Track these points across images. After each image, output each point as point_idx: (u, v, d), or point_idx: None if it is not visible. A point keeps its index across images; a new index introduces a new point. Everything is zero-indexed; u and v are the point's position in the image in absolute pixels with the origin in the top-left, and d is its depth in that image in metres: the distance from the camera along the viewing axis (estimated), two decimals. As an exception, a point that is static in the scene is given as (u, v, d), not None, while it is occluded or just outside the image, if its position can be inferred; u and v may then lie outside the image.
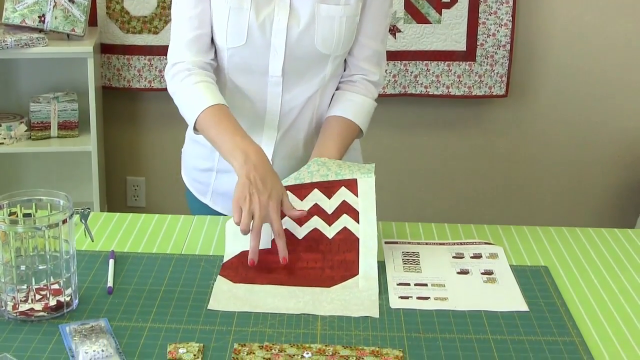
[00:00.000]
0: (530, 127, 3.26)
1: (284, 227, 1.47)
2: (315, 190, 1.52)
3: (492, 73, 3.10)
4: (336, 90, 1.71)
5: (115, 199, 3.35)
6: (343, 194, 1.51)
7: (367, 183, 1.51)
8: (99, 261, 1.46)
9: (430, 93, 3.12)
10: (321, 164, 1.56)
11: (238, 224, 1.42)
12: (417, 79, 3.10)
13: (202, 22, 1.58)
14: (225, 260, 1.47)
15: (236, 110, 1.62)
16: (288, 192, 1.53)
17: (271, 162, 1.66)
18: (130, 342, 1.22)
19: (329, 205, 1.51)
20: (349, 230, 1.48)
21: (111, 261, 1.44)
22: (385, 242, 1.56)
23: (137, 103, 3.20)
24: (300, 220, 1.50)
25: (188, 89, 1.56)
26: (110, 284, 1.37)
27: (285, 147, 1.68)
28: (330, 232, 1.49)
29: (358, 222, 1.48)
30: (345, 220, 1.49)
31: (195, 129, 1.55)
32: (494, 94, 3.13)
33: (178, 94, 1.59)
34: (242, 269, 1.43)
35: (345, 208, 1.50)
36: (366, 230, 1.47)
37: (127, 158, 3.31)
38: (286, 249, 1.43)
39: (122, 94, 3.16)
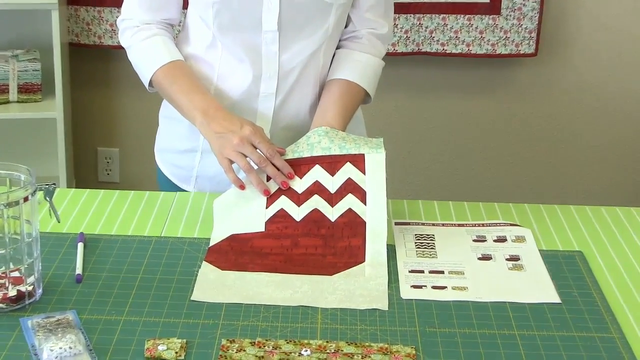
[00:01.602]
0: (563, 91, 3.25)
1: (279, 207, 1.48)
2: (316, 166, 1.52)
3: (520, 28, 3.08)
4: (337, 49, 1.71)
5: (85, 173, 3.35)
6: (348, 171, 1.51)
7: (376, 159, 1.51)
8: (66, 245, 1.46)
9: (447, 51, 3.11)
10: (322, 135, 1.55)
11: (234, 181, 1.49)
12: (433, 35, 3.09)
13: None
14: (212, 243, 1.47)
15: (228, 76, 1.63)
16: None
17: (269, 134, 1.66)
18: (102, 337, 1.22)
19: (332, 183, 1.51)
20: (355, 212, 1.48)
21: (80, 245, 1.44)
22: (396, 223, 1.56)
23: (110, 62, 3.19)
24: (299, 199, 1.50)
25: (139, 45, 1.64)
26: (79, 271, 1.37)
27: (285, 116, 1.68)
28: (333, 213, 1.48)
29: (365, 203, 1.48)
30: (350, 201, 1.49)
31: (151, 86, 1.64)
32: (522, 52, 3.12)
33: (130, 50, 1.67)
34: (231, 254, 1.43)
35: (350, 187, 1.50)
36: (374, 213, 1.47)
37: (98, 126, 3.30)
38: (287, 166, 1.49)
39: (92, 52, 3.15)
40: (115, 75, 3.22)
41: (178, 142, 1.74)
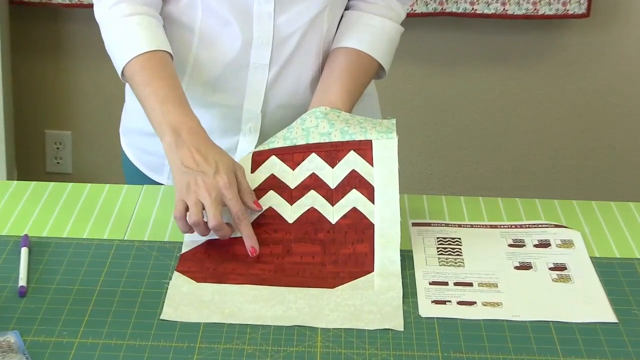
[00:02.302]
0: (622, 60, 3.25)
1: (267, 206, 1.48)
2: (313, 155, 1.52)
3: (567, -17, 3.08)
4: (345, 10, 1.71)
5: (30, 161, 3.35)
6: (352, 161, 1.51)
7: (386, 146, 1.51)
8: (6, 250, 1.46)
9: (477, 12, 3.11)
10: (321, 117, 1.55)
11: (184, 230, 1.45)
12: (460, -8, 3.09)
13: None
14: (184, 250, 1.47)
15: (211, 42, 1.63)
16: (274, 157, 1.52)
17: (261, 114, 1.66)
18: (51, 364, 1.22)
19: (332, 176, 1.51)
20: (360, 212, 1.48)
21: (24, 250, 1.44)
22: (413, 224, 1.57)
23: (61, 25, 3.19)
24: (291, 196, 1.50)
25: (117, 24, 1.59)
26: (22, 282, 1.37)
27: (281, 92, 1.68)
28: (333, 214, 1.49)
29: (373, 201, 1.48)
30: (355, 199, 1.49)
31: (124, 76, 1.59)
32: (570, 13, 3.11)
33: (105, 27, 1.62)
34: (208, 262, 1.44)
35: (355, 181, 1.50)
36: (384, 214, 1.47)
37: (45, 104, 3.30)
38: (254, 237, 1.45)
39: (38, 11, 3.15)
40: (68, 41, 3.22)
41: (148, 122, 1.74)
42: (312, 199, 1.50)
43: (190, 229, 1.45)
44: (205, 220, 1.43)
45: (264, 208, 1.49)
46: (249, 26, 1.63)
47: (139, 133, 1.79)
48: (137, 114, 1.78)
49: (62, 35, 3.21)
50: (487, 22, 3.18)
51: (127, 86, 1.79)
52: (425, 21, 3.15)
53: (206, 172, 1.45)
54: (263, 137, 1.66)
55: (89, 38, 3.17)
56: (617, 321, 1.34)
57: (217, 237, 1.46)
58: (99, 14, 1.63)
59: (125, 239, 1.52)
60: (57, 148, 3.36)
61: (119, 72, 1.60)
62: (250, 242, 1.45)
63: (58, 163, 3.38)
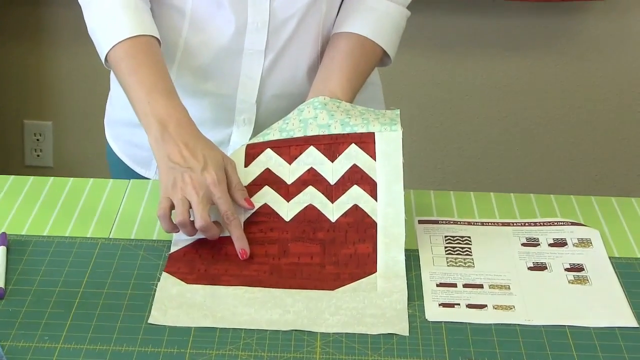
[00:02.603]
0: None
1: (261, 202, 1.48)
2: (311, 149, 1.53)
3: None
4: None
5: (7, 154, 3.35)
6: (353, 155, 1.52)
7: (390, 139, 1.52)
8: (-17, 249, 1.46)
9: (489, -7, 3.11)
10: (320, 107, 1.56)
11: (168, 230, 1.45)
12: (471, -28, 3.09)
13: None
14: (174, 249, 1.48)
15: (203, 26, 1.63)
16: (270, 150, 1.53)
17: (256, 104, 1.67)
18: (31, 371, 1.23)
19: (332, 171, 1.51)
20: (362, 210, 1.48)
21: (1, 249, 1.45)
22: (420, 222, 1.57)
23: (41, 7, 3.19)
24: (288, 192, 1.50)
25: (102, 5, 1.58)
26: (0, 284, 1.38)
27: (277, 81, 1.69)
28: (333, 212, 1.49)
29: (376, 197, 1.49)
30: (356, 195, 1.49)
31: (107, 62, 1.59)
32: (588, -5, 3.12)
33: (88, 9, 1.61)
34: (199, 263, 1.44)
35: (356, 176, 1.50)
36: (388, 211, 1.48)
37: (24, 92, 3.30)
38: (244, 238, 1.45)
39: (16, -7, 3.15)
40: (49, 25, 3.22)
41: (134, 113, 1.74)
42: (311, 196, 1.50)
43: (174, 229, 1.45)
44: (192, 219, 1.44)
45: (259, 205, 1.49)
46: (243, 9, 1.63)
47: (125, 124, 1.79)
48: (122, 104, 1.77)
49: (43, 19, 3.21)
50: (498, 6, 3.18)
51: (112, 74, 1.79)
52: (434, 4, 3.15)
53: (194, 168, 1.45)
54: (258, 129, 1.67)
55: (72, 21, 3.17)
56: (637, 325, 1.34)
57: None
58: None
59: (111, 237, 1.52)
60: (37, 139, 3.36)
61: (102, 59, 1.59)
62: (241, 245, 1.45)
63: (38, 156, 3.37)
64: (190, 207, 1.43)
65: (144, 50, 1.56)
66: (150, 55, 1.56)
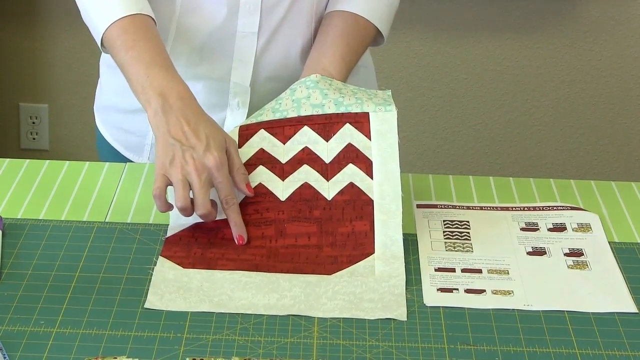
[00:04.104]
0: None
1: (256, 182, 1.48)
2: (305, 129, 1.52)
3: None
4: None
5: (3, 137, 3.35)
6: (348, 134, 1.52)
7: (384, 119, 1.51)
8: (-22, 233, 1.46)
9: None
10: (312, 87, 1.55)
11: (163, 209, 1.43)
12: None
13: None
14: (170, 233, 1.47)
15: (194, 8, 1.62)
16: (263, 131, 1.52)
17: (250, 87, 1.66)
18: (27, 355, 1.22)
19: (327, 150, 1.51)
20: (358, 187, 1.48)
21: (-3, 233, 1.45)
22: (418, 206, 1.57)
23: (36, -11, 3.19)
24: (282, 171, 1.50)
25: None
26: (-5, 267, 1.38)
27: (271, 62, 1.68)
28: (329, 189, 1.49)
29: (371, 175, 1.49)
30: (351, 173, 1.49)
31: (103, 46, 1.57)
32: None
33: None
34: (196, 247, 1.44)
35: (351, 155, 1.50)
36: (384, 189, 1.48)
37: (20, 74, 3.30)
38: (242, 224, 1.44)
39: (11, -26, 3.15)
40: (45, 6, 3.21)
41: (126, 99, 1.73)
42: (306, 174, 1.50)
43: (169, 208, 1.44)
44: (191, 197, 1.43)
45: (254, 184, 1.49)
46: None
47: (115, 110, 1.79)
48: (112, 89, 1.77)
49: (39, 1, 3.20)
50: (498, -13, 3.18)
51: (102, 60, 1.79)
52: (432, -14, 3.15)
53: (196, 147, 1.43)
54: (252, 112, 1.65)
55: (68, 3, 3.16)
56: (637, 311, 1.34)
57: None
58: None
59: (107, 221, 1.52)
60: (33, 122, 3.35)
61: (98, 41, 1.57)
62: (238, 230, 1.44)
63: (34, 139, 3.37)
64: (190, 189, 1.42)
65: (141, 27, 1.55)
66: (147, 31, 1.55)
